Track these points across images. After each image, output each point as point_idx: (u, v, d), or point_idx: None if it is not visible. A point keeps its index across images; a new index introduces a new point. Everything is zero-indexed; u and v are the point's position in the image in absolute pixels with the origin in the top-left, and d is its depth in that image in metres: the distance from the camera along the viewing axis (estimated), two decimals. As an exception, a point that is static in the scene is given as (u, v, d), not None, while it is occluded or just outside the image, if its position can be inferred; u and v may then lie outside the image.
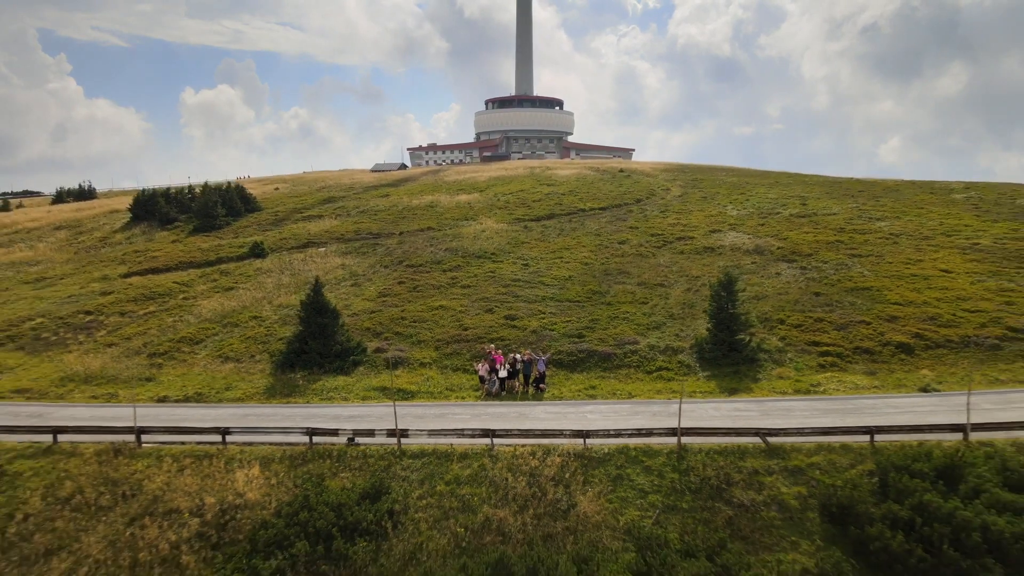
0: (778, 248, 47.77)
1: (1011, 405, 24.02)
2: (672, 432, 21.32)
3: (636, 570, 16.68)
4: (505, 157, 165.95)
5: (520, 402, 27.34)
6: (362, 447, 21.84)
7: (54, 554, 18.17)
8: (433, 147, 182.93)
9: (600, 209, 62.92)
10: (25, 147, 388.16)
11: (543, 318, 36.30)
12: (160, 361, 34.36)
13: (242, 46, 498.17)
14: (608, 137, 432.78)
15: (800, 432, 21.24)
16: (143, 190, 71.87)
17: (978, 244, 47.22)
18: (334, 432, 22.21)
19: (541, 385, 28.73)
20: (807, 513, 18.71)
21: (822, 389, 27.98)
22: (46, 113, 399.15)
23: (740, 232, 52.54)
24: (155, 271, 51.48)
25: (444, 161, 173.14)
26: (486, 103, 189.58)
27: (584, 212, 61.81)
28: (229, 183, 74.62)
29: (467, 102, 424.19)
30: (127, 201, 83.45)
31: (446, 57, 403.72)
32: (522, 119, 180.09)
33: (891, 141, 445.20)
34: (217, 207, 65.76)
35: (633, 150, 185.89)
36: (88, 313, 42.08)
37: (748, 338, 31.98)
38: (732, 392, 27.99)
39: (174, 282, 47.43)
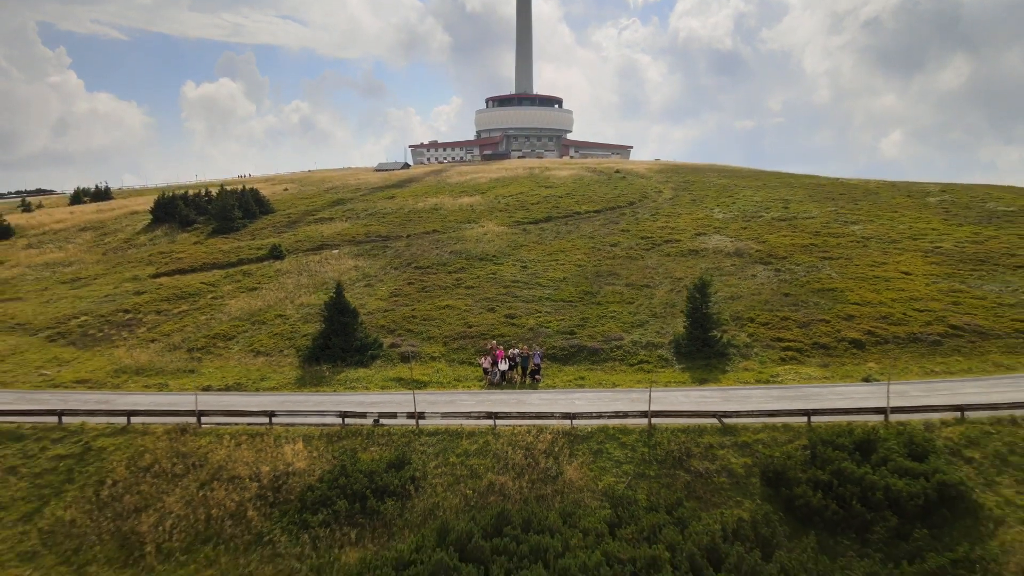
0: (757, 251, 51.98)
1: (935, 392, 28.32)
2: (644, 414, 25.64)
3: (610, 522, 21.03)
4: (505, 155, 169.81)
5: (518, 390, 31.66)
6: (386, 427, 26.19)
7: (142, 511, 22.52)
8: (435, 144, 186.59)
9: (595, 212, 67.07)
10: (26, 141, 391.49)
11: (539, 317, 40.58)
12: (199, 355, 38.67)
13: (242, 39, 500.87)
14: (609, 132, 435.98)
15: (750, 414, 25.58)
16: (162, 194, 76.00)
17: (940, 247, 51.41)
18: (362, 415, 26.56)
19: (537, 376, 33.03)
20: (750, 479, 23.05)
21: (780, 379, 32.30)
22: (47, 107, 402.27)
23: (724, 235, 56.69)
24: (181, 272, 55.72)
25: (446, 159, 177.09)
26: (486, 101, 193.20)
27: (580, 215, 65.96)
28: (243, 187, 78.67)
29: (468, 96, 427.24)
30: (143, 202, 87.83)
31: (448, 52, 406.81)
32: (522, 117, 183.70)
33: (892, 135, 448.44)
34: (234, 210, 69.96)
35: (631, 147, 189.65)
36: (127, 312, 46.35)
37: (720, 335, 36.27)
38: (702, 382, 32.31)
39: (201, 282, 51.68)
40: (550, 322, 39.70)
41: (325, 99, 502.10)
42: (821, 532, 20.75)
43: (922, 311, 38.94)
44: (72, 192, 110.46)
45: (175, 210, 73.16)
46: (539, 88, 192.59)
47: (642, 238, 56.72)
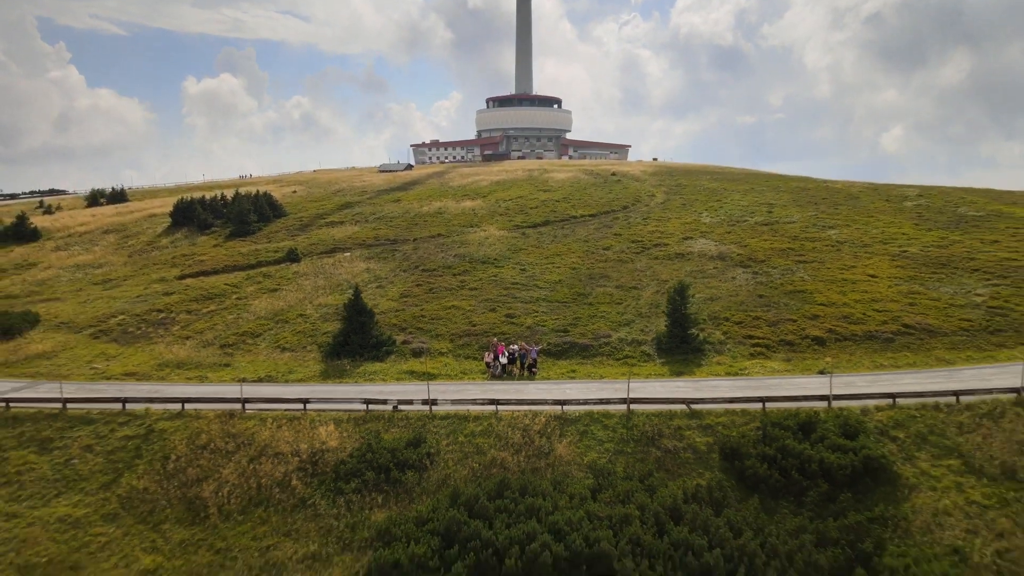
0: (738, 255, 56.36)
1: (877, 383, 32.70)
2: (624, 401, 30.08)
3: (592, 488, 25.49)
4: (505, 156, 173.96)
5: (517, 381, 36.08)
6: (404, 412, 30.62)
7: (203, 480, 26.96)
8: (436, 144, 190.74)
9: (590, 216, 71.39)
10: (27, 137, 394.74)
11: (536, 316, 44.99)
12: (231, 351, 43.08)
13: (242, 35, 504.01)
14: (610, 128, 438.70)
15: (714, 401, 30.02)
16: (181, 198, 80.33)
17: (907, 252, 55.78)
18: (383, 402, 31.00)
19: (533, 369, 37.42)
20: (711, 454, 27.49)
21: (747, 372, 36.73)
22: (48, 103, 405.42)
23: (709, 239, 61.04)
24: (205, 273, 60.13)
25: (447, 158, 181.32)
26: (487, 102, 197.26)
27: (576, 219, 70.28)
28: (257, 191, 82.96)
29: (469, 91, 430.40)
30: (159, 204, 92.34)
31: (450, 48, 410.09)
32: (521, 117, 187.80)
33: (893, 130, 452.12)
34: (250, 214, 74.32)
35: (629, 146, 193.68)
36: (160, 311, 50.75)
37: (697, 333, 40.70)
38: (679, 374, 36.75)
39: (225, 284, 56.07)
40: (546, 321, 44.09)
41: (326, 95, 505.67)
42: (765, 496, 25.19)
43: (880, 311, 43.32)
44: (87, 193, 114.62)
45: (193, 214, 77.51)
46: (541, 84, 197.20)
47: (633, 242, 61.06)
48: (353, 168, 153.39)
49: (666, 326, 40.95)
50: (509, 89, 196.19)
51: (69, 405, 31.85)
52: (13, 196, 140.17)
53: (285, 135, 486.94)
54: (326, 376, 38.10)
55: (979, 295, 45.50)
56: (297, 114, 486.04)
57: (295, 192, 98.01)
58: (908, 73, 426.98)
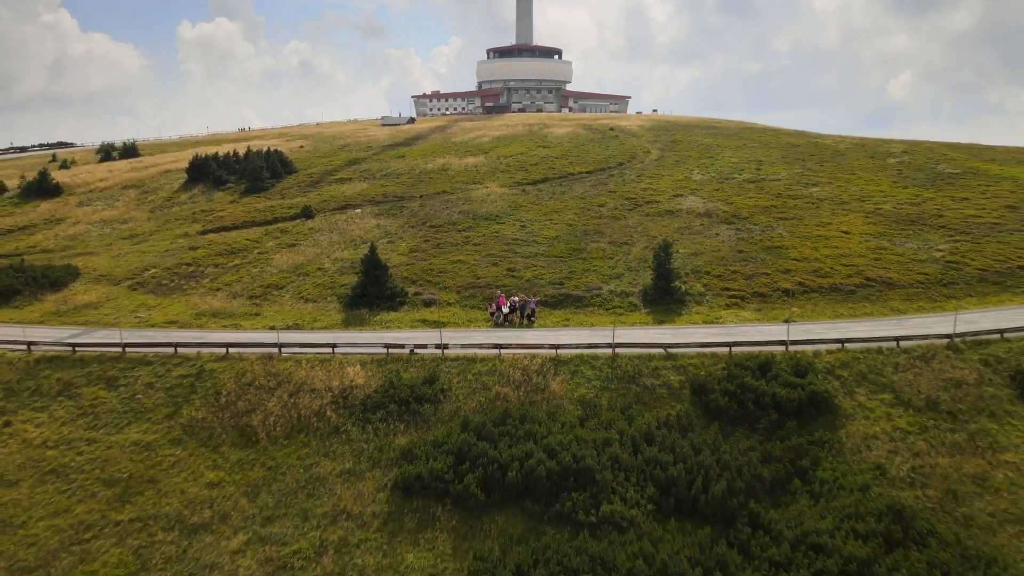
0: (724, 211, 60.34)
1: (833, 330, 37.28)
2: (610, 346, 34.77)
3: (580, 417, 30.40)
4: (506, 108, 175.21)
5: (518, 329, 40.72)
6: (419, 355, 35.35)
7: (251, 412, 31.86)
8: (437, 95, 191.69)
9: (587, 173, 74.98)
10: (21, 83, 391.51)
11: (535, 270, 49.37)
12: (258, 302, 47.63)
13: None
14: (613, 75, 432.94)
15: (688, 346, 34.72)
16: (196, 155, 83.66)
17: (881, 209, 59.76)
18: (401, 346, 35.71)
19: (532, 318, 41.99)
20: (683, 390, 32.31)
21: (722, 320, 41.34)
22: (41, 48, 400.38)
23: (698, 196, 64.86)
24: (226, 229, 64.20)
25: (448, 109, 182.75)
26: (487, 52, 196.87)
27: (573, 176, 73.91)
28: (268, 149, 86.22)
29: (470, 37, 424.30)
30: (171, 159, 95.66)
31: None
32: (522, 69, 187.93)
33: (901, 77, 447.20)
34: (263, 171, 77.85)
35: (629, 98, 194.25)
36: (188, 264, 55.10)
37: (680, 286, 45.15)
38: (661, 323, 41.37)
39: (246, 239, 60.22)
40: (543, 275, 48.52)
41: (324, 40, 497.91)
42: (725, 424, 30.10)
43: (847, 266, 47.67)
44: (97, 147, 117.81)
45: (208, 170, 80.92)
46: (543, 31, 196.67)
47: (626, 199, 64.94)
48: (355, 121, 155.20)
49: (652, 279, 45.36)
50: (510, 36, 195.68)
51: (128, 349, 36.55)
52: (23, 149, 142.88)
53: (282, 82, 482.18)
54: (347, 324, 42.74)
55: (940, 251, 49.81)
56: (296, 60, 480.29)
57: (302, 147, 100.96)
58: (919, 18, 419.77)
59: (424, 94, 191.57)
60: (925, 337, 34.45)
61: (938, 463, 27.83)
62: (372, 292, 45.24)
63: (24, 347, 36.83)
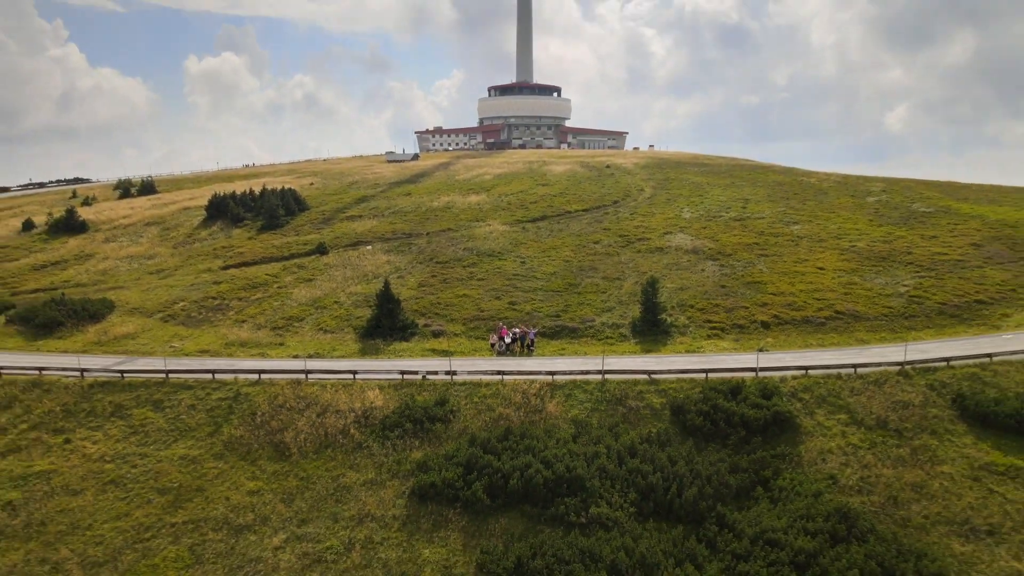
0: (709, 248, 65.13)
1: (802, 358, 41.71)
2: (600, 372, 39.19)
3: (573, 434, 34.68)
4: (507, 144, 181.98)
5: (518, 357, 45.14)
6: (431, 380, 39.75)
7: (284, 430, 36.14)
8: (439, 131, 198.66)
9: (583, 211, 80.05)
10: (29, 116, 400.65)
11: (534, 303, 53.96)
12: (281, 332, 52.13)
13: (242, 11, 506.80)
14: (613, 108, 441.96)
15: (670, 372, 39.12)
16: (215, 194, 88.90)
17: (855, 246, 64.55)
18: (415, 372, 40.13)
19: (531, 348, 46.42)
20: (663, 411, 36.64)
21: (702, 350, 45.77)
22: (49, 82, 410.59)
23: (686, 234, 69.72)
24: (246, 264, 68.97)
25: (450, 145, 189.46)
26: (489, 90, 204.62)
27: (570, 214, 78.95)
28: (283, 187, 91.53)
29: (472, 70, 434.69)
30: (188, 196, 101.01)
31: (455, 27, 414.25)
32: (522, 106, 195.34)
33: (898, 110, 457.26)
34: (278, 209, 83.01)
35: (626, 134, 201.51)
36: (214, 298, 59.70)
37: (666, 318, 49.69)
38: (647, 352, 45.82)
39: (266, 274, 64.95)
40: (542, 308, 53.09)
41: (329, 74, 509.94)
42: (699, 440, 34.38)
43: (819, 299, 52.26)
44: (114, 183, 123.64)
45: (226, 208, 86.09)
46: (544, 65, 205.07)
47: (620, 236, 69.80)
48: (362, 157, 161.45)
49: (640, 313, 49.90)
50: (511, 70, 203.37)
51: (171, 375, 40.96)
52: (41, 185, 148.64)
53: (286, 114, 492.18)
54: (364, 353, 47.19)
55: (905, 286, 54.47)
56: (300, 93, 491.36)
57: (312, 184, 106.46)
58: (914, 52, 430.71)
59: (427, 129, 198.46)
60: (879, 364, 38.89)
61: (883, 473, 32.05)
62: (386, 324, 49.77)
63: (78, 373, 41.25)
